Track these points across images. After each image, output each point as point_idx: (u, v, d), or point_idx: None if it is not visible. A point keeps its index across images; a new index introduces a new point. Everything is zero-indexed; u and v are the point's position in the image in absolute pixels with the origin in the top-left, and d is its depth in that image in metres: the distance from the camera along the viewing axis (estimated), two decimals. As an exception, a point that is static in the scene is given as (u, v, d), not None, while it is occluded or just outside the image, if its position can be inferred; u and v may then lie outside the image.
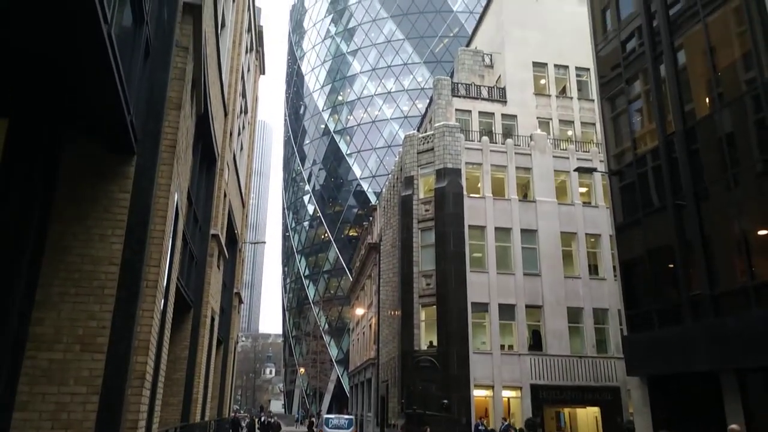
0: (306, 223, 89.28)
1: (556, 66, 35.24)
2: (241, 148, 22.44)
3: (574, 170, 23.89)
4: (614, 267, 24.53)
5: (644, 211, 17.52)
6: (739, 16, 13.97)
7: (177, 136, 6.80)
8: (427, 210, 29.77)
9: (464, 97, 33.61)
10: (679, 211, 15.71)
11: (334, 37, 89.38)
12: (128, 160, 5.93)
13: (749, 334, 12.82)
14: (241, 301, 26.78)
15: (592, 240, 30.50)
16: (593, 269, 30.11)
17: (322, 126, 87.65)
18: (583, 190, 31.59)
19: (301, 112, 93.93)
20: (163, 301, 7.04)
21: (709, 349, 14.01)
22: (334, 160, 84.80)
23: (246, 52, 22.73)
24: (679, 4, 16.45)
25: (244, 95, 22.23)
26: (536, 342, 28.46)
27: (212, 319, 14.55)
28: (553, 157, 31.22)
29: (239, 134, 20.94)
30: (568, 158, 31.21)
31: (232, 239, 20.36)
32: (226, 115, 15.61)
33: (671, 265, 16.23)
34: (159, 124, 6.27)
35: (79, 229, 5.55)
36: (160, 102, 6.43)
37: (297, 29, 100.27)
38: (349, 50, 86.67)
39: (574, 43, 32.86)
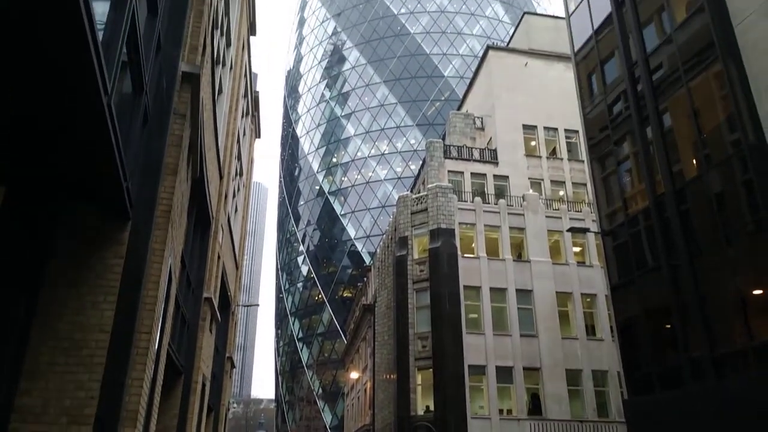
0: (300, 285, 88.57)
1: (546, 128, 36.09)
2: (236, 210, 22.53)
3: (567, 230, 24.05)
4: (611, 327, 24.28)
5: (639, 271, 17.52)
6: (720, 80, 14.45)
7: (172, 201, 6.84)
8: (421, 270, 29.66)
9: (456, 158, 34.18)
10: (673, 270, 15.71)
11: (328, 101, 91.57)
12: (123, 225, 5.93)
13: (751, 399, 12.57)
14: (233, 366, 26.18)
15: (588, 300, 30.32)
16: (590, 330, 29.79)
17: (317, 187, 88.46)
18: (577, 249, 31.69)
19: (296, 173, 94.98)
20: (153, 368, 6.88)
21: (711, 414, 13.69)
22: (328, 220, 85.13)
23: (242, 116, 23.18)
24: (661, 70, 17.02)
25: (239, 158, 22.52)
26: (535, 406, 27.76)
27: (203, 386, 14.17)
28: (546, 217, 31.47)
29: (234, 196, 21.07)
30: (560, 218, 31.45)
31: (225, 302, 20.12)
32: (221, 178, 15.75)
33: (669, 326, 16.08)
34: (155, 189, 6.32)
35: (71, 296, 5.48)
36: (156, 168, 6.50)
37: (292, 94, 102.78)
38: (343, 114, 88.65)
39: (563, 106, 33.77)
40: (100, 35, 4.24)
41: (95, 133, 4.75)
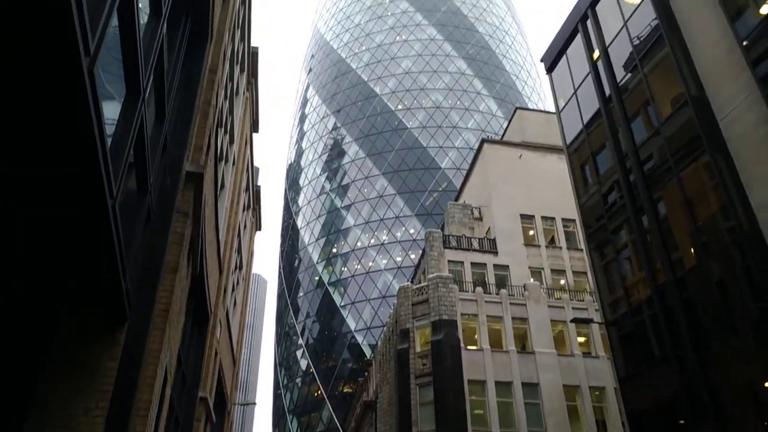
0: (299, 380, 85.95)
1: (543, 218, 36.51)
2: (235, 304, 22.29)
3: (571, 321, 23.68)
4: (623, 423, 23.32)
5: (646, 362, 17.09)
6: (710, 171, 14.80)
7: (171, 300, 6.79)
8: (424, 364, 28.91)
9: (456, 248, 34.30)
10: (681, 362, 15.33)
11: (328, 193, 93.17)
12: (120, 326, 5.85)
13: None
14: (227, 469, 24.85)
15: (597, 393, 29.33)
16: (601, 425, 28.59)
17: (316, 278, 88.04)
18: (582, 339, 31.07)
19: (296, 264, 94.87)
20: (143, 477, 6.53)
21: None
22: (327, 312, 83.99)
23: (243, 210, 23.50)
24: (652, 161, 17.48)
25: (239, 252, 22.59)
26: None
27: (195, 493, 13.38)
28: (549, 306, 31.12)
29: (233, 290, 20.93)
30: (563, 307, 31.09)
31: (221, 400, 19.45)
32: (221, 272, 15.72)
33: (682, 422, 15.46)
34: (154, 289, 6.29)
35: (63, 401, 5.31)
36: (156, 267, 6.51)
37: (293, 186, 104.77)
38: (343, 205, 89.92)
39: (558, 196, 34.34)
40: (108, 141, 4.40)
41: (98, 235, 4.79)
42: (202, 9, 8.14)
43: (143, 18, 5.48)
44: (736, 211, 13.53)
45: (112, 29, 4.31)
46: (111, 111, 4.91)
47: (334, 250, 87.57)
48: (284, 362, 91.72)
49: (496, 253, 34.67)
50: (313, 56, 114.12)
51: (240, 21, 16.56)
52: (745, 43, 13.62)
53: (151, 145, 6.37)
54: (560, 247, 35.85)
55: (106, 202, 4.46)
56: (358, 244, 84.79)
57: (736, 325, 13.80)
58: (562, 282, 34.54)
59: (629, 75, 18.51)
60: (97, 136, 3.94)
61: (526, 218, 36.44)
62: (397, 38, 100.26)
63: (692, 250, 15.58)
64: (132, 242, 5.93)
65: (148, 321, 6.05)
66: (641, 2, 17.73)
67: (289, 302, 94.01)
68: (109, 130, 4.61)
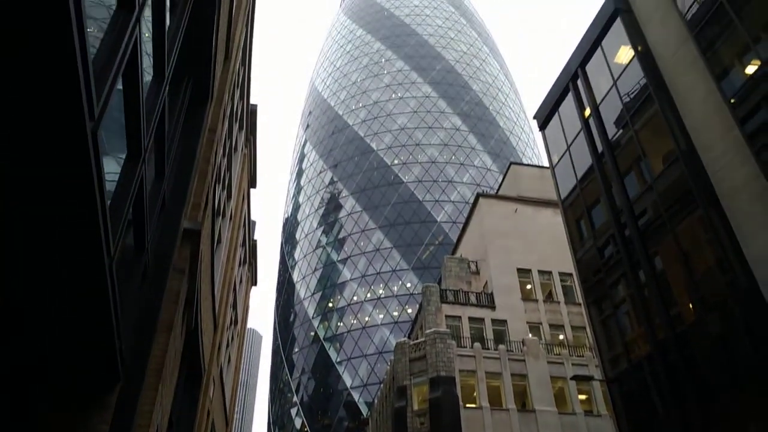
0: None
1: (540, 272, 36.45)
2: (229, 361, 21.89)
3: (571, 378, 23.29)
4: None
5: (650, 420, 16.70)
6: (704, 226, 14.92)
7: (165, 359, 6.69)
8: (422, 423, 28.19)
9: (453, 303, 34.06)
10: (685, 418, 15.00)
11: (324, 247, 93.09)
12: (112, 387, 5.74)
13: None
14: None
15: (600, 452, 28.54)
16: (605, 487, 27.68)
17: (312, 333, 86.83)
18: (583, 397, 30.46)
19: (291, 319, 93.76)
20: None
21: None
22: (323, 368, 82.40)
23: (239, 265, 23.43)
24: (646, 216, 17.61)
25: (234, 307, 22.38)
26: None
27: None
28: (548, 362, 30.66)
29: (227, 347, 20.60)
30: (563, 363, 30.63)
31: (213, 463, 18.80)
32: (215, 328, 15.52)
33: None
34: (148, 347, 6.21)
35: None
36: (151, 325, 6.44)
37: (289, 240, 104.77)
38: (339, 258, 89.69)
39: (555, 250, 34.41)
40: (108, 200, 4.44)
41: (93, 294, 4.77)
42: (203, 71, 8.38)
43: (146, 79, 5.64)
44: (732, 266, 13.56)
45: (116, 92, 4.43)
46: (110, 167, 4.97)
47: (330, 305, 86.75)
48: (278, 421, 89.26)
49: (493, 307, 34.42)
50: (310, 113, 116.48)
51: (240, 80, 16.99)
52: (732, 101, 13.99)
53: (150, 203, 6.43)
54: (558, 302, 35.63)
55: (103, 261, 4.46)
56: (355, 298, 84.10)
57: (740, 380, 13.58)
58: (561, 337, 34.15)
59: (620, 131, 18.90)
60: (98, 196, 3.99)
61: (523, 272, 36.37)
62: (393, 95, 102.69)
63: (690, 305, 15.51)
64: (127, 300, 5.89)
65: (141, 381, 5.94)
66: (629, 62, 18.32)
67: (284, 358, 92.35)
68: (109, 186, 4.66)
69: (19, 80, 3.27)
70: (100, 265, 4.47)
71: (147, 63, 5.54)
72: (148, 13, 5.25)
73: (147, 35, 5.47)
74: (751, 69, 13.73)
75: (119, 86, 4.53)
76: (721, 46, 14.96)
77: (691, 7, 15.81)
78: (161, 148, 6.67)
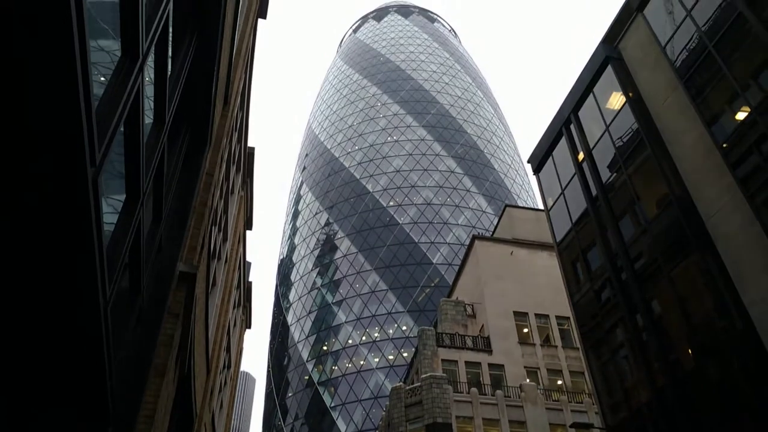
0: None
1: (537, 315, 36.20)
2: (221, 406, 21.44)
3: (570, 426, 22.83)
4: None
5: (650, 469, 16.32)
6: (700, 270, 14.93)
7: (157, 404, 6.55)
8: (417, 471, 27.50)
9: (449, 347, 33.67)
10: (687, 468, 14.68)
11: (320, 289, 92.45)
12: (102, 433, 5.61)
13: None
14: None
15: (600, 502, 27.73)
16: None
17: (306, 377, 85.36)
18: (582, 444, 29.79)
19: (285, 363, 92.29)
20: None
21: None
22: (317, 413, 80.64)
23: (234, 307, 23.21)
24: (642, 260, 17.62)
25: (228, 350, 22.07)
26: None
27: None
28: (546, 409, 30.14)
29: (220, 391, 20.21)
30: (561, 410, 30.12)
31: None
32: (208, 372, 15.26)
33: None
34: (141, 393, 6.09)
35: None
36: (143, 370, 6.33)
37: (284, 282, 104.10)
38: (334, 300, 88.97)
39: (551, 293, 34.28)
40: (105, 243, 4.44)
41: (87, 337, 4.71)
42: (202, 116, 8.50)
43: (146, 123, 5.71)
44: (730, 311, 13.52)
45: (117, 137, 4.48)
46: (107, 209, 4.99)
47: (325, 348, 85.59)
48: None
49: (490, 351, 34.02)
50: (307, 155, 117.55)
51: (238, 124, 17.21)
52: (723, 146, 14.22)
53: (147, 246, 6.42)
54: (556, 346, 35.27)
55: (98, 304, 4.43)
56: (350, 341, 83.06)
57: (742, 427, 13.36)
58: (560, 382, 33.66)
59: (614, 176, 19.11)
60: (96, 241, 3.99)
61: (520, 316, 36.12)
62: (389, 138, 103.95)
63: (689, 350, 15.38)
64: (120, 343, 5.82)
65: (131, 428, 5.81)
66: (621, 108, 18.67)
67: (277, 403, 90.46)
68: (107, 227, 4.66)
69: (20, 126, 3.32)
70: (95, 308, 4.44)
71: (147, 108, 5.63)
72: (150, 59, 5.37)
73: (148, 80, 5.58)
74: (741, 115, 14.02)
75: (120, 131, 4.59)
76: (710, 92, 15.31)
77: (680, 54, 16.24)
78: (159, 192, 6.71)
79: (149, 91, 5.62)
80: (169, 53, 6.06)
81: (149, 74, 5.47)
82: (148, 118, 5.80)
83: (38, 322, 4.61)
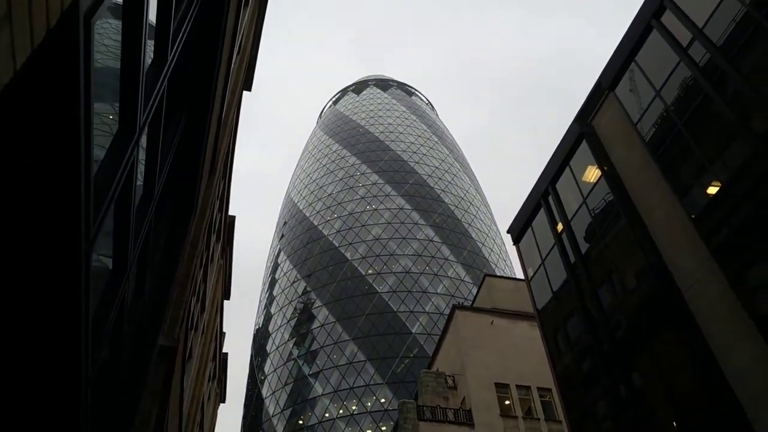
0: None
1: (518, 386, 35.60)
2: (192, 488, 20.30)
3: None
4: None
5: None
6: (680, 340, 14.98)
7: (131, 490, 6.21)
8: None
9: (431, 420, 32.76)
10: None
11: (296, 360, 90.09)
12: None
13: None
14: None
15: None
16: None
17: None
18: None
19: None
20: None
21: None
22: (291, 495, 76.72)
23: (208, 380, 22.46)
24: (622, 330, 17.63)
25: (201, 426, 21.16)
26: None
27: None
28: (531, 486, 29.13)
29: (191, 471, 19.21)
30: (546, 487, 29.12)
31: None
32: (181, 451, 14.55)
33: None
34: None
35: None
36: (119, 451, 6.05)
37: (260, 353, 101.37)
38: (311, 372, 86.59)
39: (533, 364, 33.88)
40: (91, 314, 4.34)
41: (64, 413, 4.53)
42: (189, 187, 8.55)
43: (137, 197, 5.72)
44: (711, 382, 13.49)
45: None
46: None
47: (301, 422, 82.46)
48: None
49: (472, 425, 33.14)
50: (285, 223, 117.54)
51: (220, 193, 17.28)
52: (696, 219, 14.62)
53: (129, 317, 6.28)
54: (538, 419, 34.52)
55: (80, 380, 4.29)
56: (326, 415, 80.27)
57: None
58: (543, 457, 32.74)
59: (592, 246, 19.42)
60: (83, 316, 3.91)
61: (501, 387, 35.48)
62: (368, 207, 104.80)
63: (674, 424, 15.18)
64: (97, 419, 5.58)
65: None
66: (597, 182, 19.24)
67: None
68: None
69: (19, 199, 3.31)
70: (77, 385, 4.29)
71: (138, 180, 5.65)
72: (143, 135, 5.45)
73: (141, 155, 5.64)
74: (712, 189, 14.53)
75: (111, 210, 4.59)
76: (681, 167, 15.90)
77: (651, 131, 16.96)
78: (144, 262, 6.63)
79: (141, 164, 5.67)
80: (162, 126, 6.16)
81: (142, 148, 5.54)
82: (138, 190, 5.82)
83: (15, 395, 4.43)
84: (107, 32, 3.98)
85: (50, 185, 3.26)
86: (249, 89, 21.21)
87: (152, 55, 5.27)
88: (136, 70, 4.35)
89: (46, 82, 2.92)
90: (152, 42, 5.12)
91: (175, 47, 5.69)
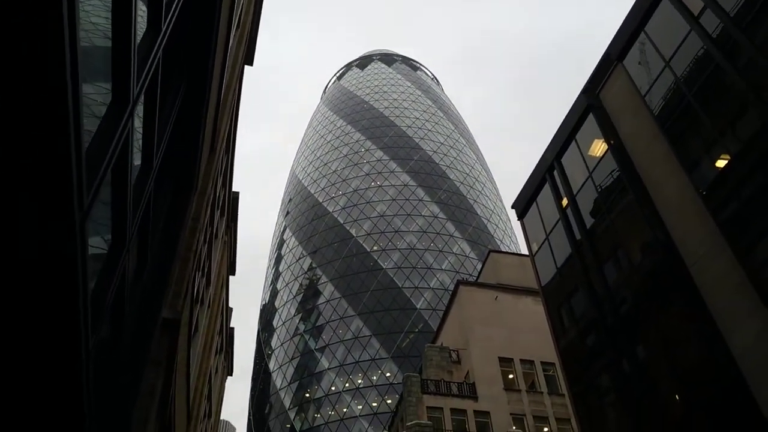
0: None
1: (522, 361, 35.86)
2: (200, 460, 20.64)
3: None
4: None
5: None
6: (686, 314, 14.93)
7: (136, 460, 6.26)
8: None
9: (435, 393, 33.08)
10: None
11: (302, 335, 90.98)
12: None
13: None
14: None
15: None
16: None
17: (288, 426, 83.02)
18: (571, 495, 29.08)
19: (266, 411, 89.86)
20: None
21: None
22: (298, 465, 78.20)
23: (215, 354, 22.68)
24: (627, 305, 17.57)
25: (209, 399, 21.43)
26: None
27: None
28: (534, 457, 29.50)
29: (199, 443, 19.51)
30: (549, 458, 29.49)
31: None
32: (189, 422, 14.76)
33: None
34: (119, 449, 5.82)
35: None
36: (125, 422, 6.07)
37: (266, 328, 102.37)
38: (317, 347, 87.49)
39: (537, 338, 34.04)
40: (90, 289, 4.30)
41: (66, 386, 4.52)
42: (189, 162, 8.45)
43: (134, 169, 5.64)
44: (717, 357, 13.46)
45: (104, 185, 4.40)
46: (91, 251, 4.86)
47: (307, 395, 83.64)
48: None
49: (476, 398, 33.47)
50: (290, 200, 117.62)
51: (222, 169, 17.19)
52: (704, 192, 14.44)
53: (131, 292, 6.25)
54: (541, 392, 34.83)
55: (80, 354, 4.26)
56: (333, 388, 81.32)
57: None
58: (546, 430, 33.10)
59: (598, 221, 19.28)
60: (81, 288, 3.86)
61: (505, 361, 35.74)
62: (373, 184, 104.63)
63: (677, 398, 15.21)
64: (100, 395, 5.59)
65: (108, 487, 5.51)
66: (603, 155, 19.01)
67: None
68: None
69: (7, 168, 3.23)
70: (77, 359, 4.26)
71: (135, 152, 5.57)
72: (140, 104, 5.35)
73: (138, 126, 5.54)
74: (720, 162, 14.32)
75: (108, 178, 4.51)
76: (690, 140, 15.67)
77: (659, 103, 16.68)
78: (144, 237, 6.58)
79: (138, 135, 5.58)
80: (158, 100, 6.05)
81: (139, 118, 5.44)
82: (136, 162, 5.73)
83: (17, 370, 4.41)
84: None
85: (39, 153, 3.18)
86: (250, 63, 20.99)
87: (145, 24, 5.14)
88: (128, 38, 4.24)
89: (27, 43, 2.82)
90: (144, 8, 4.99)
91: (169, 16, 5.54)
